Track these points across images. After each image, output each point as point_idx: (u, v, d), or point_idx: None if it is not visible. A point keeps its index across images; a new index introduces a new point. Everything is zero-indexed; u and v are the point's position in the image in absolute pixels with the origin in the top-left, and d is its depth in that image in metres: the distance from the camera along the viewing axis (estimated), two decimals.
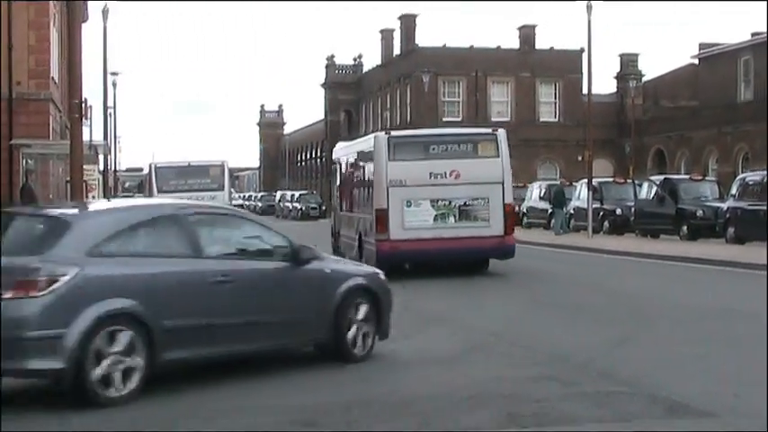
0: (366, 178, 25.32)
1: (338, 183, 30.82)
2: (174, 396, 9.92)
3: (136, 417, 9.06)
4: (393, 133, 25.49)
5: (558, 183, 46.83)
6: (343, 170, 29.75)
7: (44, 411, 9.44)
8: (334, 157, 33.28)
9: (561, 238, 38.59)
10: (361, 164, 26.26)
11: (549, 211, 47.81)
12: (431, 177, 23.36)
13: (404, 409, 9.17)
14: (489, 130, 25.99)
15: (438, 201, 23.38)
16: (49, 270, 9.37)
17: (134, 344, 9.58)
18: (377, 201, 23.55)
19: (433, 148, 24.12)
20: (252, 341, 10.95)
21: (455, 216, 23.47)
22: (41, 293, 9.24)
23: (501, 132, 24.63)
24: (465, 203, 23.47)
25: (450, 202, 23.42)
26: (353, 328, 11.75)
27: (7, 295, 9.19)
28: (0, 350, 9.02)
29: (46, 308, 9.25)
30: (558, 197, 43.32)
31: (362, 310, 11.89)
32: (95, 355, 9.34)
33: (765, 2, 68.94)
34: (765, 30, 58.58)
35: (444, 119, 73.00)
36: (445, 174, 23.44)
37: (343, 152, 30.73)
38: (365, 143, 26.55)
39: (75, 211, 11.17)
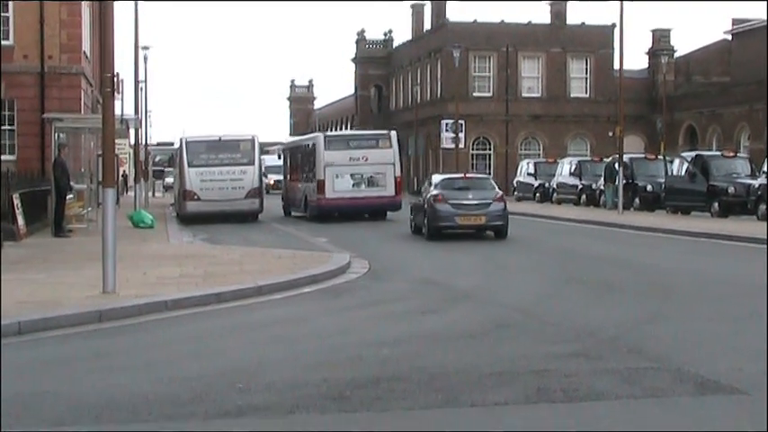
0: (310, 161, 39.12)
1: (288, 165, 45.24)
2: (208, 369, 10.03)
3: (160, 378, 9.17)
4: (327, 134, 40.96)
5: (611, 158, 46.44)
6: (291, 157, 44.61)
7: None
8: (282, 148, 49.27)
9: (591, 214, 38.50)
10: (307, 152, 40.24)
11: (579, 186, 47.76)
12: (350, 160, 37.48)
13: (432, 384, 9.20)
14: (386, 132, 41.05)
15: (354, 174, 37.48)
16: (501, 194, 28.30)
17: None
18: (318, 174, 37.61)
19: (352, 143, 38.87)
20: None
21: (365, 184, 37.56)
22: (502, 202, 27.72)
23: (392, 133, 39.98)
24: (371, 176, 37.52)
25: (362, 175, 37.52)
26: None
27: (496, 202, 27.63)
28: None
29: (505, 206, 27.86)
30: (610, 172, 43.13)
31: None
32: None
33: (765, 1, 68.28)
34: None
35: (475, 94, 72.79)
36: (359, 158, 37.52)
37: (291, 145, 46.90)
38: (310, 140, 41.00)
39: (485, 175, 36.16)
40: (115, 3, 16.69)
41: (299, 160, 42.23)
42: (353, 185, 37.48)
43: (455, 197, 27.84)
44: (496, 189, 28.96)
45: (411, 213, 31.14)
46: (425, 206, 28.60)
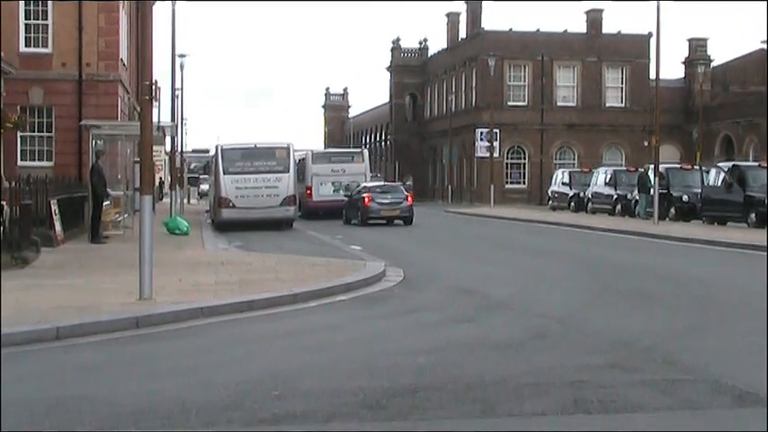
0: (303, 172, 47.33)
1: None
2: (244, 376, 10.06)
3: (197, 384, 9.24)
4: (314, 150, 53.56)
5: (644, 168, 46.22)
6: None
7: None
8: None
9: (626, 224, 38.33)
10: (300, 165, 46.63)
11: (614, 196, 47.57)
12: (332, 172, 47.91)
13: (468, 394, 9.17)
14: (359, 150, 54.94)
15: (335, 182, 47.45)
16: (408, 195, 43.05)
17: None
18: (306, 182, 47.46)
19: (333, 158, 50.58)
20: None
21: (343, 190, 46.21)
22: (409, 201, 41.92)
23: (365, 151, 52.64)
24: (347, 184, 46.07)
25: (340, 183, 47.09)
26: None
27: (406, 201, 41.69)
28: None
29: (411, 204, 41.95)
30: (643, 182, 42.96)
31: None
32: None
33: (765, 1, 67.73)
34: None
35: (510, 103, 72.79)
36: (338, 170, 48.00)
37: None
38: (303, 155, 49.01)
39: (398, 183, 52.78)
40: (153, 10, 16.81)
41: (296, 171, 48.18)
42: (333, 191, 47.36)
43: (379, 198, 41.36)
44: (405, 192, 43.15)
45: (344, 209, 43.80)
46: (359, 204, 41.45)
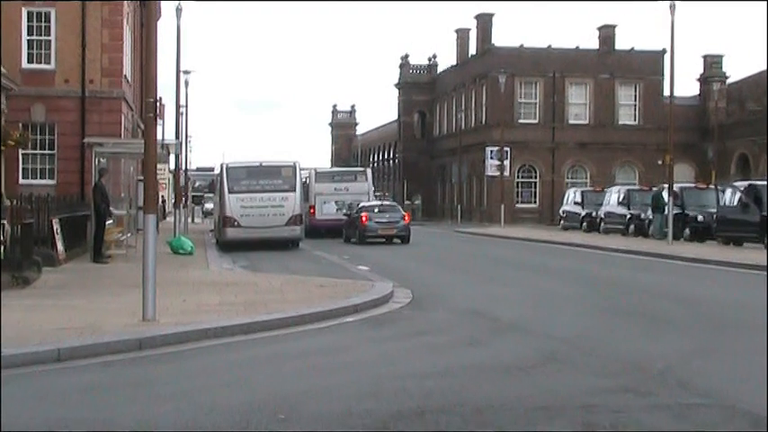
0: (306, 191, 46.63)
1: None
2: (250, 398, 9.89)
3: (201, 407, 8.99)
4: (317, 169, 51.80)
5: (658, 187, 45.88)
6: None
7: None
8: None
9: (639, 244, 38.02)
10: (304, 184, 45.35)
11: (628, 216, 47.21)
12: (335, 191, 48.73)
13: (477, 417, 9.02)
14: (362, 169, 56.71)
15: (338, 201, 48.05)
16: (405, 215, 44.20)
17: None
18: (310, 201, 47.62)
19: (336, 177, 50.92)
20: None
21: (346, 209, 46.48)
22: (406, 221, 42.91)
23: (368, 170, 53.32)
24: (350, 203, 46.56)
25: (343, 202, 47.57)
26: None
27: (402, 220, 42.84)
28: None
29: (408, 223, 43.26)
30: (657, 201, 42.65)
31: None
32: None
33: (765, 2, 67.54)
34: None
35: (520, 120, 72.54)
36: (342, 189, 48.77)
37: None
38: (306, 175, 48.17)
39: (395, 203, 53.99)
40: (157, 26, 16.57)
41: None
42: (337, 210, 47.91)
43: (377, 217, 42.29)
44: (402, 212, 44.49)
45: (344, 228, 44.73)
46: (357, 223, 42.52)
